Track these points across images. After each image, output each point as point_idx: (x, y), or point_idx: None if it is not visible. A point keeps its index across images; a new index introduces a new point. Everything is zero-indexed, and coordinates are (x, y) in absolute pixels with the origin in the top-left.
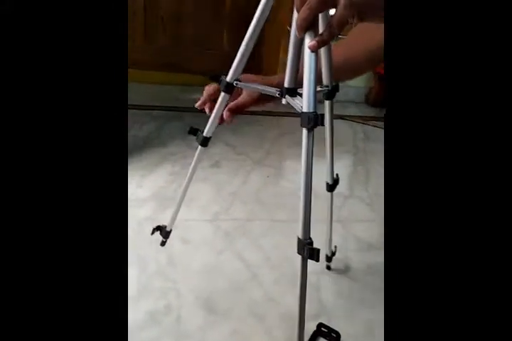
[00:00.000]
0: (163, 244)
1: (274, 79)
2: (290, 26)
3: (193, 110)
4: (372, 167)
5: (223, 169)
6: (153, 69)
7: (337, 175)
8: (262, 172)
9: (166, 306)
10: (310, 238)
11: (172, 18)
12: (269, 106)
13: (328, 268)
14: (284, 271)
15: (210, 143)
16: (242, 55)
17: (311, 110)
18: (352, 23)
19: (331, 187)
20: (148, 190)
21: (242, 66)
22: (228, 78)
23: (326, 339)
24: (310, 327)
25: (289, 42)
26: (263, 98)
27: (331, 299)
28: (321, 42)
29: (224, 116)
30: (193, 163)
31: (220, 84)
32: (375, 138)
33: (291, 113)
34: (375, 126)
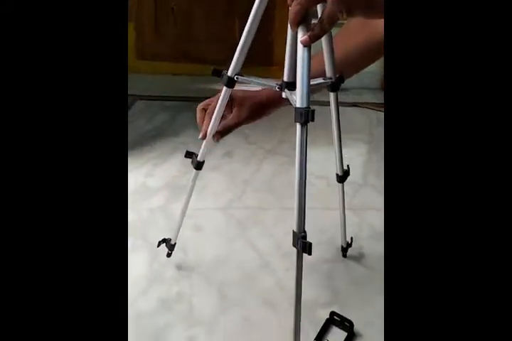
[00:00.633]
0: (168, 255)
1: (263, 92)
2: None
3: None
4: None
5: (235, 158)
6: (165, 60)
7: (348, 166)
8: (274, 161)
9: (178, 293)
10: (304, 231)
11: (183, 9)
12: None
13: (344, 256)
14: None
15: None
16: (242, 49)
17: (305, 105)
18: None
19: (341, 178)
20: (161, 179)
21: (242, 60)
22: (229, 73)
23: (338, 327)
24: (322, 316)
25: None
26: (252, 115)
27: (343, 287)
28: (313, 37)
29: (214, 138)
30: (189, 188)
31: (221, 78)
32: None
33: None
34: None
